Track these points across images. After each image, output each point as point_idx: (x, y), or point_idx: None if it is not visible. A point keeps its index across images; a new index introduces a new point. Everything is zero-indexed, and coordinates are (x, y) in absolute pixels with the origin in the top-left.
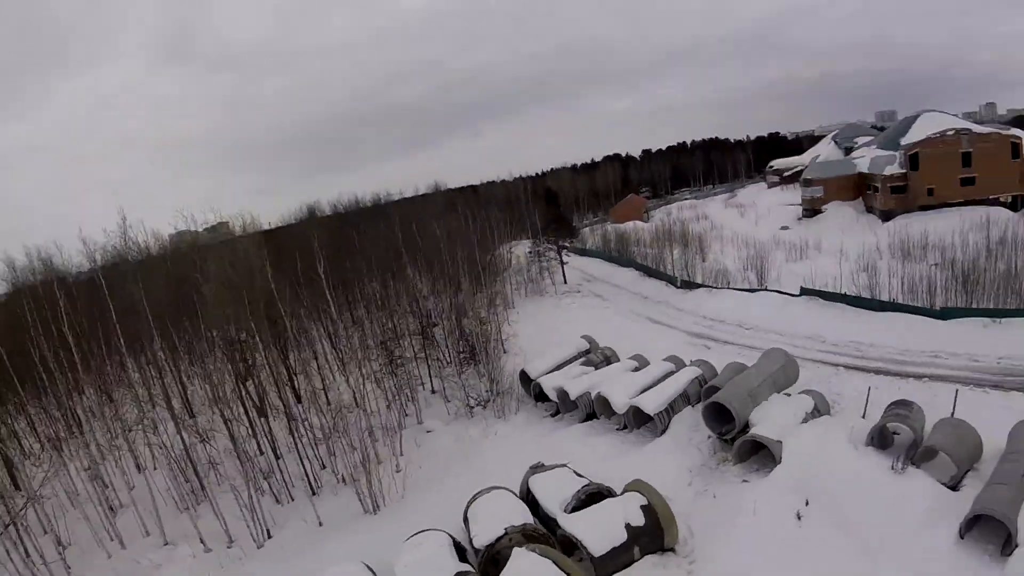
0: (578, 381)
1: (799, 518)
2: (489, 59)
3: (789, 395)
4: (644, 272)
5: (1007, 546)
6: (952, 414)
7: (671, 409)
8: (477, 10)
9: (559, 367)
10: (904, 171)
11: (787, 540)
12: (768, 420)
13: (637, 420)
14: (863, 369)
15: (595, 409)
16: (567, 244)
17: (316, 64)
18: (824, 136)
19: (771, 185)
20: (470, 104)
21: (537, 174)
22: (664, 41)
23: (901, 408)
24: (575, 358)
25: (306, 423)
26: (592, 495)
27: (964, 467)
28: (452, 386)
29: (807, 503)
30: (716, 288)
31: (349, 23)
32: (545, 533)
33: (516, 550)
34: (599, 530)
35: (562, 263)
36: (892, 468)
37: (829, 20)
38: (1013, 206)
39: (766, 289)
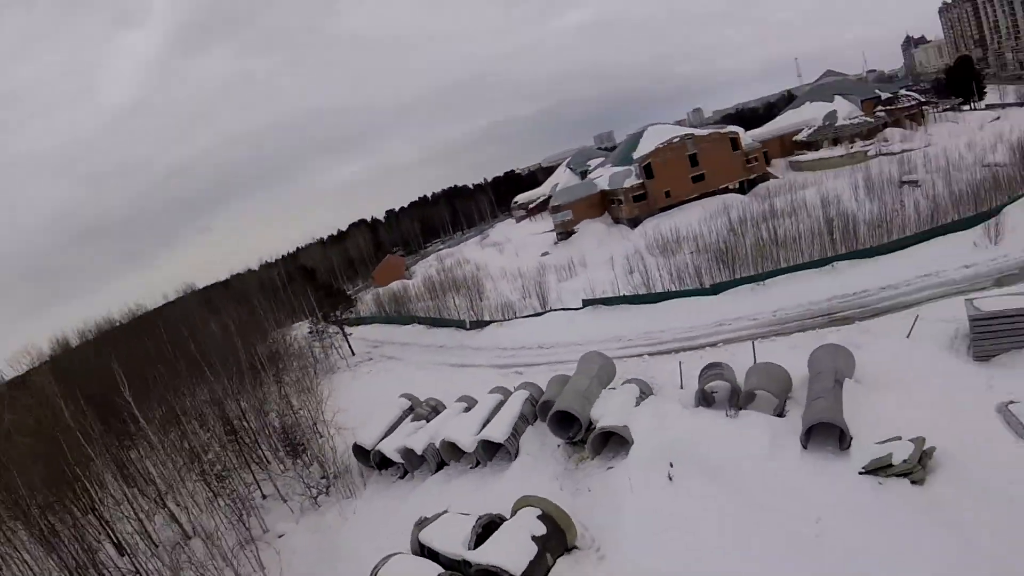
0: (418, 436)
1: (671, 479)
2: (205, 145)
3: (614, 388)
4: (429, 324)
5: (843, 442)
6: (754, 363)
7: (516, 433)
8: (185, 96)
9: (391, 430)
10: (641, 181)
11: (669, 499)
12: (609, 412)
13: (488, 453)
14: (664, 352)
15: (443, 457)
16: (345, 316)
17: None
18: (554, 166)
19: (519, 219)
20: (189, 200)
21: (287, 254)
22: (386, 101)
23: (713, 369)
24: (402, 417)
25: None
26: (487, 525)
27: (782, 397)
28: (285, 483)
29: (671, 465)
30: (505, 320)
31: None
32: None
33: None
34: (511, 551)
35: (345, 335)
36: (727, 416)
37: (542, 56)
38: (742, 190)
39: (551, 310)
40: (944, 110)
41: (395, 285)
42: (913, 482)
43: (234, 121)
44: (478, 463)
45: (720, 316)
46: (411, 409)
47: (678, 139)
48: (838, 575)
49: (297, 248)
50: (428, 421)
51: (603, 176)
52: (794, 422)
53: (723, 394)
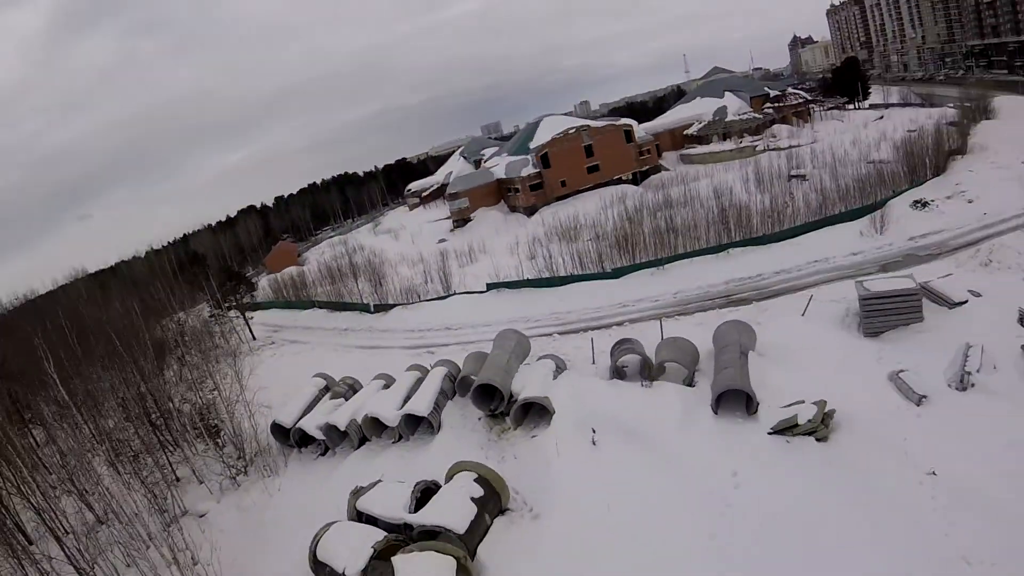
0: (340, 412)
1: (594, 444)
2: (86, 129)
3: (530, 364)
4: (331, 308)
5: (750, 407)
6: (661, 338)
7: (437, 407)
8: (67, 77)
9: (309, 408)
10: (539, 170)
11: (595, 462)
12: (529, 385)
13: (410, 427)
14: (572, 332)
15: (365, 433)
16: (246, 300)
17: None
18: (444, 155)
19: (412, 207)
20: (71, 184)
21: (176, 240)
22: (271, 88)
23: (625, 344)
24: (319, 396)
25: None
26: (424, 491)
27: (691, 369)
28: (200, 465)
29: (594, 431)
30: (410, 304)
31: None
32: (406, 537)
33: (397, 559)
34: (452, 512)
35: (246, 319)
36: (642, 386)
37: (429, 46)
38: (635, 181)
39: (455, 293)
40: (830, 108)
41: (291, 271)
42: (818, 439)
43: (117, 104)
44: (400, 437)
45: (623, 298)
46: (327, 389)
47: (574, 130)
48: (754, 519)
49: (185, 234)
50: (346, 399)
51: (499, 165)
52: (704, 391)
53: (634, 368)
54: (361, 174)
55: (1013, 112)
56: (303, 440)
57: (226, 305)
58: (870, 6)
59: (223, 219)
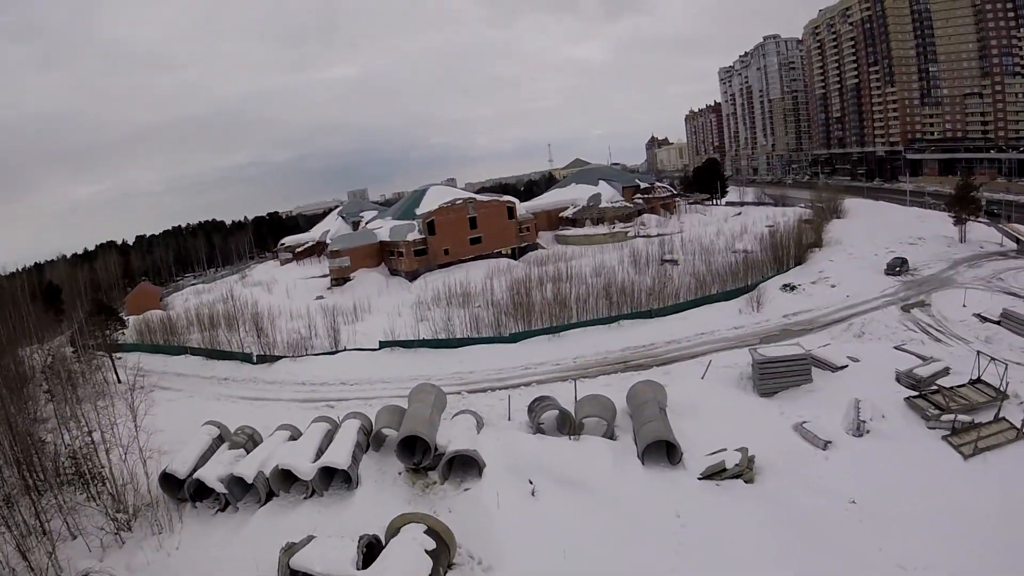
0: (246, 463)
1: (533, 495)
2: None
3: (448, 419)
4: (206, 355)
5: (672, 457)
6: (575, 398)
7: (355, 459)
8: None
9: (205, 458)
10: (424, 236)
11: (538, 512)
12: (456, 438)
13: (324, 481)
14: (480, 391)
15: (272, 487)
16: (115, 337)
17: None
18: (315, 214)
19: (284, 262)
20: None
21: (28, 267)
22: (132, 120)
23: (544, 401)
24: (214, 446)
25: None
26: (370, 544)
27: (611, 423)
28: (74, 518)
29: (531, 482)
30: (299, 357)
31: None
32: None
33: None
34: (409, 566)
35: (112, 359)
36: (570, 439)
37: (302, 104)
38: (514, 256)
39: (346, 349)
40: (693, 203)
41: (156, 313)
42: (746, 481)
43: None
44: (314, 492)
45: (524, 361)
46: (221, 439)
47: (460, 201)
48: (707, 554)
49: (38, 263)
50: (247, 450)
51: (383, 228)
52: (626, 443)
53: (550, 423)
54: (228, 223)
55: (860, 212)
56: (198, 493)
57: (92, 341)
58: (726, 115)
59: (80, 251)
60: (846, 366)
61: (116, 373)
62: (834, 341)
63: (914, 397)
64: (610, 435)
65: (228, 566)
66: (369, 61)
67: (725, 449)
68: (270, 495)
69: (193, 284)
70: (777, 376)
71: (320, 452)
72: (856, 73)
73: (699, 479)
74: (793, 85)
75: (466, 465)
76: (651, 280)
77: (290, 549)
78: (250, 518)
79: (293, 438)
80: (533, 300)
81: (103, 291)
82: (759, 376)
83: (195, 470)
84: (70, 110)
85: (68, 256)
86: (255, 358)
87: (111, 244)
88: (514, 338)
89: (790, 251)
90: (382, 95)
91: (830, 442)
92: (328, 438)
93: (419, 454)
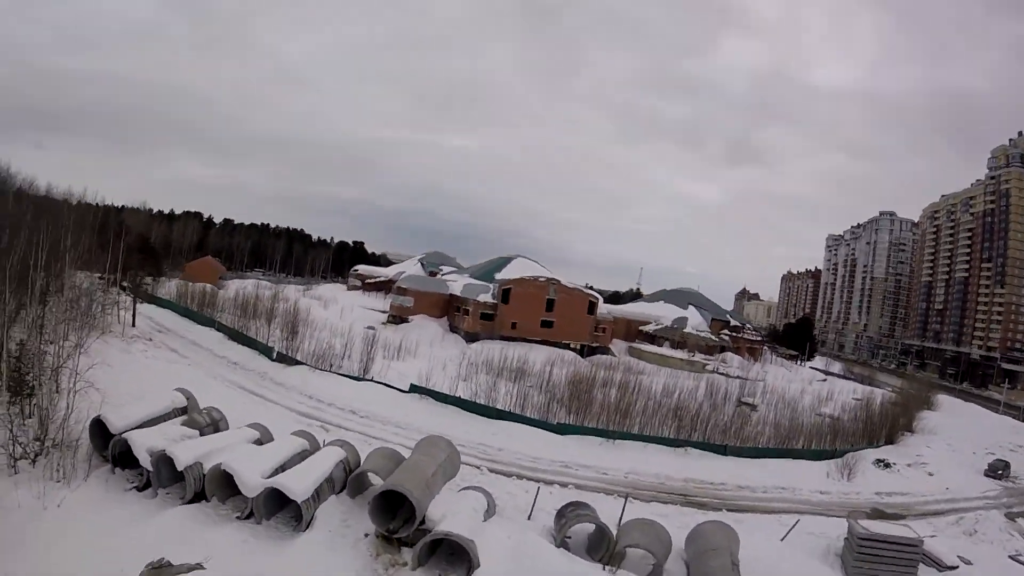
0: (186, 446)
1: None
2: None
3: (454, 491)
4: (230, 335)
5: None
6: (620, 519)
7: (317, 496)
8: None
9: (150, 423)
10: (496, 302)
11: None
12: (452, 516)
13: (270, 507)
14: (504, 473)
15: (207, 488)
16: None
17: None
18: (401, 259)
19: (351, 287)
20: (32, 111)
21: (113, 205)
22: (254, 121)
23: (579, 509)
24: (170, 415)
25: None
26: None
27: (662, 562)
28: None
29: None
30: (319, 369)
31: None
32: None
33: None
34: None
35: (135, 302)
36: (604, 568)
37: (417, 160)
38: (582, 352)
39: (373, 380)
40: (779, 355)
41: (205, 286)
42: None
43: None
44: (251, 515)
45: (567, 457)
46: (184, 411)
47: (544, 279)
48: None
49: (123, 205)
50: (202, 434)
51: (457, 282)
52: None
53: (580, 539)
54: (314, 238)
55: (953, 409)
56: (123, 459)
57: (124, 282)
58: (825, 283)
59: (165, 211)
60: (956, 567)
61: (134, 318)
62: (940, 535)
63: None
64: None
65: (106, 551)
66: (490, 140)
67: None
68: (201, 496)
69: (261, 279)
70: (878, 560)
71: (281, 470)
72: (967, 267)
73: None
74: (899, 268)
75: (454, 557)
76: (726, 418)
77: (161, 569)
78: (162, 513)
79: (259, 442)
80: (593, 397)
81: (171, 252)
82: (856, 555)
83: (133, 429)
84: (207, 95)
85: (153, 210)
86: (275, 355)
87: (196, 215)
88: (562, 429)
89: (882, 428)
90: (495, 175)
91: None
92: (299, 458)
93: (400, 519)
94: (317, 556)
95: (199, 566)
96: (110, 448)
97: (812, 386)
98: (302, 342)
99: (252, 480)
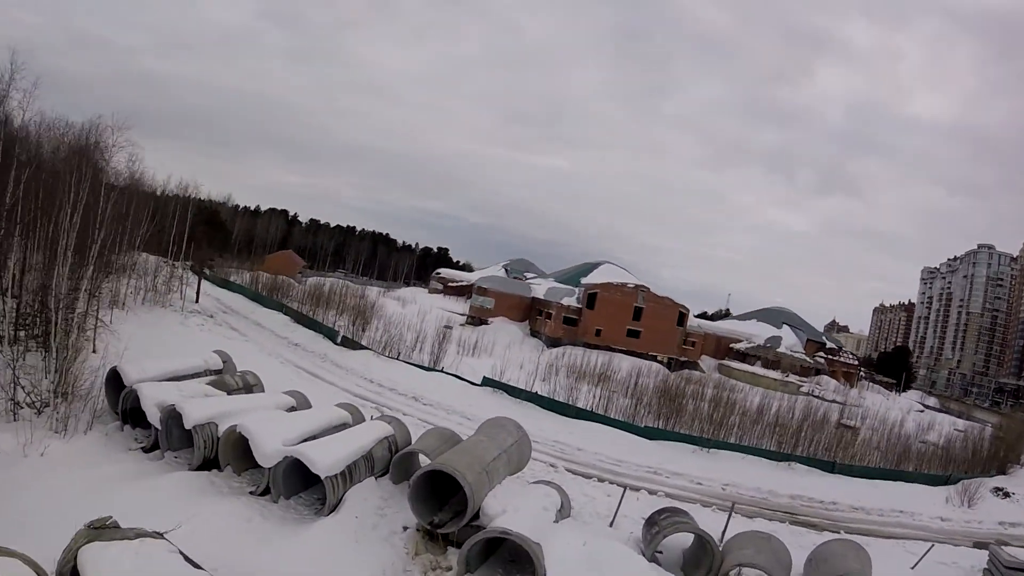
0: (201, 403)
1: None
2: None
3: (521, 482)
4: (295, 319)
5: None
6: (724, 531)
7: (350, 473)
8: None
9: (175, 379)
10: (580, 307)
11: None
12: (515, 512)
13: (289, 485)
14: (583, 475)
15: (219, 454)
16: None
17: None
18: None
19: (432, 291)
20: (137, 107)
21: (199, 197)
22: (347, 133)
23: (675, 517)
24: (201, 374)
25: None
26: None
27: None
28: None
29: None
30: (385, 356)
31: None
32: None
33: None
34: None
35: (201, 276)
36: None
37: (507, 178)
38: (669, 366)
39: (443, 371)
40: (875, 382)
41: (281, 278)
42: None
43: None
44: (268, 490)
45: (655, 463)
46: (219, 371)
47: (632, 286)
48: None
49: (212, 199)
50: (230, 395)
51: (542, 286)
52: None
53: (675, 554)
54: (400, 243)
55: None
56: (135, 417)
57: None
58: (919, 317)
59: (251, 206)
60: None
61: (198, 294)
62: None
63: None
64: None
65: (71, 512)
66: (578, 160)
67: None
68: (212, 464)
69: (342, 279)
70: None
71: (311, 437)
72: None
73: None
74: (996, 303)
75: (514, 563)
76: (829, 437)
77: (97, 529)
78: (160, 476)
79: (295, 409)
80: (684, 405)
81: (252, 246)
82: None
83: (148, 381)
84: (301, 107)
85: (239, 206)
86: (339, 338)
87: (282, 212)
88: (650, 433)
89: (992, 459)
90: (581, 196)
91: None
92: (335, 429)
93: (448, 511)
94: (332, 548)
95: (157, 534)
96: (120, 401)
97: (911, 415)
98: (371, 332)
99: (270, 447)
